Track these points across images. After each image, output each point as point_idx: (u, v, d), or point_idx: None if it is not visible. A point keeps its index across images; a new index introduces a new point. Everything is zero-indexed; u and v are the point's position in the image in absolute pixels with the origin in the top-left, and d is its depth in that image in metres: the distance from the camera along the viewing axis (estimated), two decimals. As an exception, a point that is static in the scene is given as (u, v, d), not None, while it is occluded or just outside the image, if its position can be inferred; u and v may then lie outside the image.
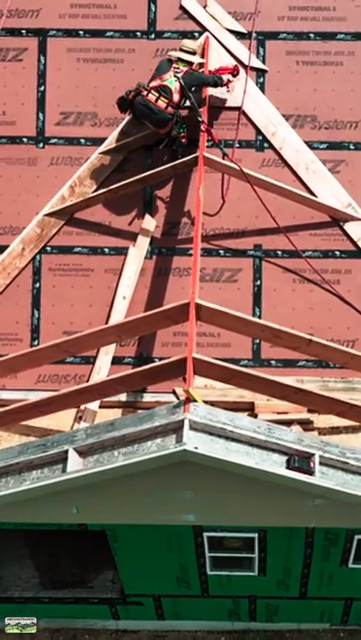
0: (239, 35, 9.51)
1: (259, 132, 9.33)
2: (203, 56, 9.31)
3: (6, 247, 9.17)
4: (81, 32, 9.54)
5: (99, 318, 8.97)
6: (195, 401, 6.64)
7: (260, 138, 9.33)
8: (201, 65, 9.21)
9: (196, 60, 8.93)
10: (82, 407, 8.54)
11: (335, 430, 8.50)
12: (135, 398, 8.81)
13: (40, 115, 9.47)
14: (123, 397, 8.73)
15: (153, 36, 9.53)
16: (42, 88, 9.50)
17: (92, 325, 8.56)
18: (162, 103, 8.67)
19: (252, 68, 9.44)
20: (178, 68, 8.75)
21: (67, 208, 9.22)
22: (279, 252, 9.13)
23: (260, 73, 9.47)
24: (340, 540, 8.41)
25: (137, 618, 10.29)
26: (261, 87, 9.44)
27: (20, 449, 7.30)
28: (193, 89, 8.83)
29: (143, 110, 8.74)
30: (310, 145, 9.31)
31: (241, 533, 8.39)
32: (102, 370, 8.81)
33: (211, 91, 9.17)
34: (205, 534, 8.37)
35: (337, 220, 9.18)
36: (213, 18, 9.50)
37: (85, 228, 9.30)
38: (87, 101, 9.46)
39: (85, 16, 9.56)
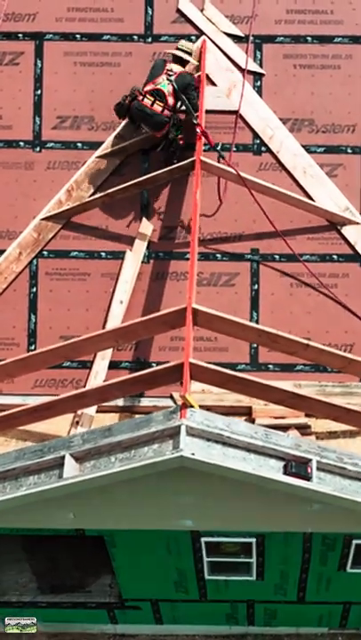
0: (236, 38, 9.50)
1: (256, 135, 9.32)
2: (200, 59, 9.30)
3: (3, 251, 9.16)
4: (78, 36, 9.53)
5: (96, 323, 8.96)
6: (191, 406, 6.62)
7: (258, 141, 9.32)
8: (198, 68, 9.21)
9: (191, 60, 8.93)
10: (79, 412, 8.53)
11: (333, 435, 8.48)
12: (133, 403, 8.79)
13: (37, 119, 9.45)
14: (120, 402, 8.70)
15: (150, 39, 9.52)
16: (38, 92, 9.48)
17: (89, 330, 8.54)
18: (158, 107, 8.68)
19: (250, 72, 9.43)
20: (170, 71, 8.75)
21: (64, 212, 9.21)
22: (277, 257, 9.12)
23: (258, 76, 9.46)
24: (337, 544, 8.39)
25: (135, 622, 10.28)
26: (259, 91, 9.43)
27: (16, 454, 7.28)
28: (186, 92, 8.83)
29: (140, 115, 8.78)
30: (308, 149, 9.30)
31: (239, 538, 8.38)
32: (99, 374, 8.80)
33: (207, 94, 9.15)
34: (203, 539, 8.36)
35: (334, 223, 9.17)
36: (210, 21, 9.49)
37: (82, 232, 9.29)
38: (84, 105, 9.44)
39: (82, 19, 9.55)
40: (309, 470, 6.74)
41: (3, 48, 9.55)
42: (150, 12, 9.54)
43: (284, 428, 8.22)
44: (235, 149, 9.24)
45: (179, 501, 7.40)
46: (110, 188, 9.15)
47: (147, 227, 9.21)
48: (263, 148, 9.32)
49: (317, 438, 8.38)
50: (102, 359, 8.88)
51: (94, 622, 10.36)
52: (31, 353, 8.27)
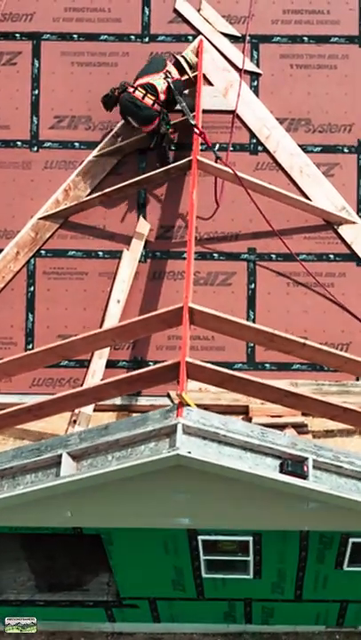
0: (233, 38, 9.51)
1: (253, 135, 9.34)
2: (196, 60, 9.34)
3: (0, 251, 9.19)
4: (75, 36, 9.54)
5: (93, 322, 8.98)
6: (188, 405, 6.65)
7: (254, 141, 9.35)
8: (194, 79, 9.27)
9: (190, 74, 9.03)
10: (76, 411, 8.55)
11: (330, 433, 8.51)
12: (130, 401, 8.82)
13: (34, 118, 9.47)
14: (117, 401, 8.73)
15: (147, 39, 9.54)
16: (36, 92, 9.50)
17: (87, 329, 8.56)
18: (148, 100, 8.69)
19: (246, 72, 9.45)
20: (170, 73, 8.77)
21: (61, 212, 9.23)
22: (273, 256, 9.14)
23: (254, 76, 9.49)
24: (334, 543, 8.41)
25: (133, 620, 10.30)
26: (255, 90, 9.45)
27: (13, 453, 7.30)
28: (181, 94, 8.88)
29: (129, 107, 8.76)
30: (304, 148, 9.32)
31: (236, 537, 8.40)
32: (97, 373, 8.82)
33: (204, 94, 9.17)
34: (200, 537, 8.37)
35: (331, 223, 9.19)
36: (207, 21, 9.51)
37: (80, 231, 9.31)
38: (81, 105, 9.46)
39: (79, 20, 9.57)
40: (306, 469, 6.77)
41: (0, 48, 9.56)
42: (147, 12, 9.57)
43: (281, 427, 8.25)
44: (231, 149, 9.26)
45: (176, 499, 7.42)
46: (107, 187, 9.17)
47: (144, 226, 9.23)
48: (260, 148, 9.34)
49: (314, 437, 8.40)
50: (100, 358, 8.90)
51: (92, 620, 10.38)
52: (29, 352, 8.29)
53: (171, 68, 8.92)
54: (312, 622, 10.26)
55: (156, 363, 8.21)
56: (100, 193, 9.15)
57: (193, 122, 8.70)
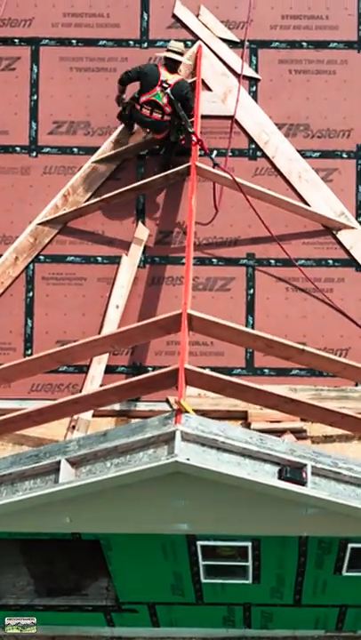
0: (232, 43, 9.53)
1: (251, 140, 9.36)
2: (195, 65, 9.34)
3: (-1, 256, 9.21)
4: (74, 41, 9.56)
5: (92, 327, 8.99)
6: (187, 412, 6.64)
7: (253, 146, 9.36)
8: (193, 71, 9.23)
9: (184, 59, 8.94)
10: (75, 416, 8.55)
11: (329, 439, 8.52)
12: (129, 407, 8.83)
13: (33, 124, 9.49)
14: (117, 406, 8.74)
15: (146, 44, 9.55)
16: (35, 97, 9.52)
17: (86, 334, 8.57)
18: (157, 115, 8.75)
19: (245, 77, 9.47)
20: (165, 82, 8.74)
21: (60, 217, 9.25)
22: (272, 261, 9.15)
23: (253, 82, 9.50)
24: (333, 548, 8.40)
25: (132, 625, 10.28)
26: (254, 96, 9.47)
27: (12, 459, 7.30)
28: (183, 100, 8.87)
29: (141, 122, 8.95)
30: (303, 153, 9.35)
31: (234, 542, 8.39)
32: (96, 379, 8.83)
33: (202, 99, 9.18)
34: (199, 543, 8.37)
35: (330, 228, 9.21)
36: (206, 26, 9.52)
37: (78, 236, 9.33)
38: (80, 110, 9.48)
39: (78, 25, 9.58)
40: (304, 475, 6.76)
41: (-1, 53, 9.61)
42: (146, 17, 9.58)
43: (280, 433, 8.25)
44: (230, 154, 9.28)
45: (174, 506, 7.41)
46: (106, 192, 9.19)
47: (142, 231, 9.24)
48: (259, 153, 9.36)
49: (313, 442, 8.41)
50: (98, 364, 8.91)
51: (91, 625, 10.37)
52: (27, 358, 8.31)
53: (164, 74, 8.80)
54: (311, 627, 10.25)
55: (155, 368, 8.23)
56: (98, 198, 9.16)
57: (191, 129, 8.70)
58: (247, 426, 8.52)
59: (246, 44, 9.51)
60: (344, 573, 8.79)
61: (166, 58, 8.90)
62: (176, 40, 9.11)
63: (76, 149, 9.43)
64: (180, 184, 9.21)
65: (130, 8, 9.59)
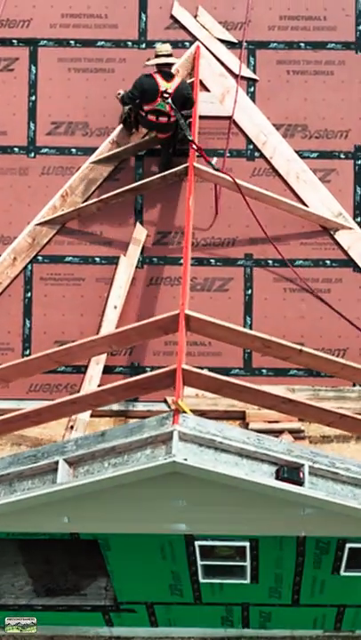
0: (230, 44, 9.55)
1: (249, 141, 9.37)
2: (193, 65, 9.34)
3: (-2, 257, 9.22)
4: (72, 42, 9.57)
5: (90, 327, 9.00)
6: (184, 412, 6.66)
7: (251, 147, 9.37)
8: (191, 74, 9.25)
9: (175, 61, 8.91)
10: (73, 416, 8.56)
11: (326, 439, 8.53)
12: (127, 407, 8.84)
13: (31, 124, 9.50)
14: (115, 406, 8.75)
15: (144, 45, 9.56)
16: (33, 98, 9.53)
17: (84, 335, 8.59)
18: (163, 119, 8.80)
19: (243, 78, 9.48)
20: (165, 93, 8.67)
21: (58, 217, 9.26)
22: (270, 262, 9.16)
23: (251, 82, 9.51)
24: (331, 548, 8.41)
25: (130, 625, 10.29)
26: (252, 96, 9.48)
27: (10, 459, 7.32)
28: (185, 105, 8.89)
29: (148, 126, 9.02)
30: (301, 154, 9.36)
31: (232, 542, 8.40)
32: (94, 379, 8.83)
33: (200, 100, 9.19)
34: (197, 543, 8.38)
35: (328, 229, 9.22)
36: (204, 27, 9.54)
37: (77, 237, 9.34)
38: (78, 111, 9.49)
39: (76, 26, 9.60)
40: (302, 475, 6.77)
41: (-3, 54, 9.62)
42: (144, 18, 9.59)
43: (278, 433, 8.27)
44: (228, 155, 9.29)
45: (172, 506, 7.42)
46: (104, 193, 9.20)
47: (141, 232, 9.26)
48: (257, 154, 9.37)
49: (311, 442, 8.43)
50: (97, 364, 8.92)
51: (90, 625, 10.38)
52: (25, 359, 8.31)
53: (163, 84, 8.70)
54: (310, 626, 10.25)
55: (153, 368, 8.24)
56: (97, 199, 9.18)
57: (190, 137, 8.68)
58: (245, 426, 8.54)
59: (244, 44, 9.52)
60: (342, 573, 8.80)
61: (158, 64, 8.78)
62: (167, 41, 9.14)
63: (74, 150, 9.45)
64: (178, 185, 9.21)
65: (128, 9, 9.60)
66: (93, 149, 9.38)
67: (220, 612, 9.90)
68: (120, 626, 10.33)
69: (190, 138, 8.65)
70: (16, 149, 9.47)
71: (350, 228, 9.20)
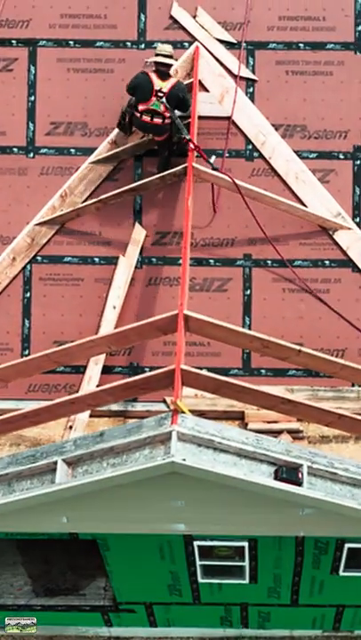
0: (229, 44, 9.55)
1: (248, 141, 9.38)
2: (192, 66, 9.34)
3: (-3, 257, 9.22)
4: (71, 42, 9.57)
5: (89, 328, 9.01)
6: (183, 412, 6.66)
7: (250, 147, 9.38)
8: (189, 74, 9.25)
9: (174, 62, 8.94)
10: (72, 416, 8.57)
11: (325, 439, 8.54)
12: (126, 407, 8.85)
13: (30, 125, 9.50)
14: (113, 407, 8.76)
15: (143, 45, 9.56)
16: (32, 98, 9.53)
17: (83, 335, 8.59)
18: (157, 120, 8.78)
19: (242, 78, 9.48)
20: (160, 92, 8.72)
21: (57, 218, 9.27)
22: (269, 262, 9.17)
23: (250, 83, 9.51)
24: (330, 548, 8.42)
25: (129, 625, 10.29)
26: (251, 97, 9.48)
27: (9, 459, 7.32)
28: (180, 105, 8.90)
29: (143, 127, 8.99)
30: (300, 154, 9.36)
31: (231, 542, 8.40)
32: (92, 379, 8.84)
33: (199, 100, 9.19)
34: (196, 543, 8.38)
35: (327, 229, 9.22)
36: (203, 28, 9.54)
37: (76, 237, 9.35)
38: (77, 111, 9.49)
39: (75, 26, 9.60)
40: (300, 475, 6.77)
41: (-4, 54, 9.62)
42: (143, 18, 9.59)
43: (277, 433, 8.27)
44: (227, 155, 9.29)
45: (171, 506, 7.43)
46: (104, 193, 9.21)
47: (139, 232, 9.26)
48: (256, 154, 9.37)
49: (310, 443, 8.43)
50: (96, 364, 8.92)
51: (89, 625, 10.38)
52: (24, 359, 8.31)
53: (157, 83, 8.76)
54: (308, 626, 10.26)
55: (152, 368, 8.23)
56: (96, 199, 9.18)
57: (188, 136, 8.69)
58: (244, 426, 8.55)
59: (243, 45, 9.52)
60: (341, 573, 8.81)
61: (157, 63, 8.83)
62: (166, 42, 9.14)
63: (73, 150, 9.45)
64: (177, 185, 9.22)
65: (127, 9, 9.61)
66: (92, 150, 9.38)
67: (219, 613, 9.90)
68: (119, 626, 10.34)
69: (188, 137, 8.65)
70: (15, 149, 9.48)
71: (349, 229, 9.20)
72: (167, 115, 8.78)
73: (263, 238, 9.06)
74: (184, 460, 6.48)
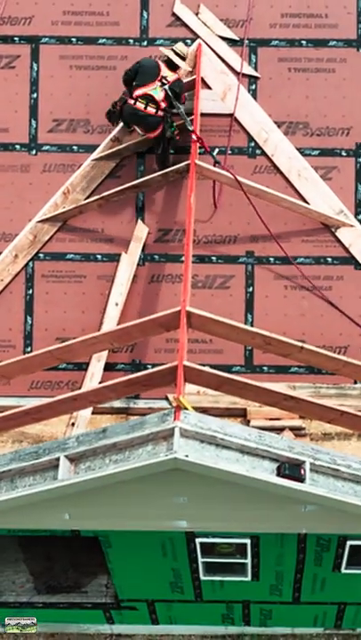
0: (231, 42, 9.54)
1: (251, 138, 9.37)
2: (195, 63, 9.34)
3: (-1, 254, 9.22)
4: (73, 39, 9.57)
5: (91, 325, 9.01)
6: (185, 409, 6.66)
7: (253, 144, 9.37)
8: (192, 72, 9.25)
9: (183, 65, 8.97)
10: (75, 413, 8.57)
11: (327, 436, 8.53)
12: (128, 404, 8.85)
13: (33, 122, 9.50)
14: (116, 403, 8.76)
15: (145, 42, 9.56)
16: (34, 95, 9.53)
17: (85, 332, 8.58)
18: (151, 109, 8.77)
19: (245, 75, 9.48)
20: (165, 79, 8.77)
21: (59, 215, 9.26)
22: (271, 259, 9.17)
23: (253, 80, 9.51)
24: (332, 545, 8.42)
25: (131, 622, 10.30)
26: (253, 94, 9.48)
27: (12, 456, 7.32)
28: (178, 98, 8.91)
29: (133, 117, 8.88)
30: (302, 152, 9.36)
31: (233, 539, 8.41)
32: (95, 376, 8.84)
33: (202, 97, 9.19)
34: (198, 540, 8.38)
35: (329, 226, 9.22)
36: (205, 25, 9.53)
37: (78, 234, 9.35)
38: (80, 108, 9.49)
39: (78, 23, 9.60)
40: (303, 472, 6.77)
41: (-1, 51, 9.62)
42: (146, 15, 9.59)
43: (279, 430, 8.27)
44: (230, 152, 9.29)
45: (173, 502, 7.43)
46: (106, 190, 9.21)
47: (142, 229, 9.26)
48: (258, 151, 9.37)
49: (312, 440, 8.43)
50: (98, 361, 8.92)
51: (91, 622, 10.39)
52: (27, 355, 8.30)
53: (164, 70, 8.89)
54: (310, 624, 10.26)
55: (154, 365, 8.20)
56: (98, 196, 9.18)
57: (191, 127, 8.72)
58: (246, 423, 8.54)
59: (246, 42, 9.52)
60: (343, 571, 8.81)
61: (168, 59, 9.00)
62: (181, 43, 9.20)
63: (75, 147, 9.45)
64: (180, 182, 9.22)
65: (130, 6, 9.61)
66: (95, 147, 9.38)
67: (221, 610, 9.91)
68: (121, 623, 10.35)
69: (191, 128, 8.66)
70: (17, 147, 9.48)
71: (352, 226, 9.20)
72: (162, 105, 8.76)
73: (265, 235, 9.06)
74: (187, 456, 6.48)
